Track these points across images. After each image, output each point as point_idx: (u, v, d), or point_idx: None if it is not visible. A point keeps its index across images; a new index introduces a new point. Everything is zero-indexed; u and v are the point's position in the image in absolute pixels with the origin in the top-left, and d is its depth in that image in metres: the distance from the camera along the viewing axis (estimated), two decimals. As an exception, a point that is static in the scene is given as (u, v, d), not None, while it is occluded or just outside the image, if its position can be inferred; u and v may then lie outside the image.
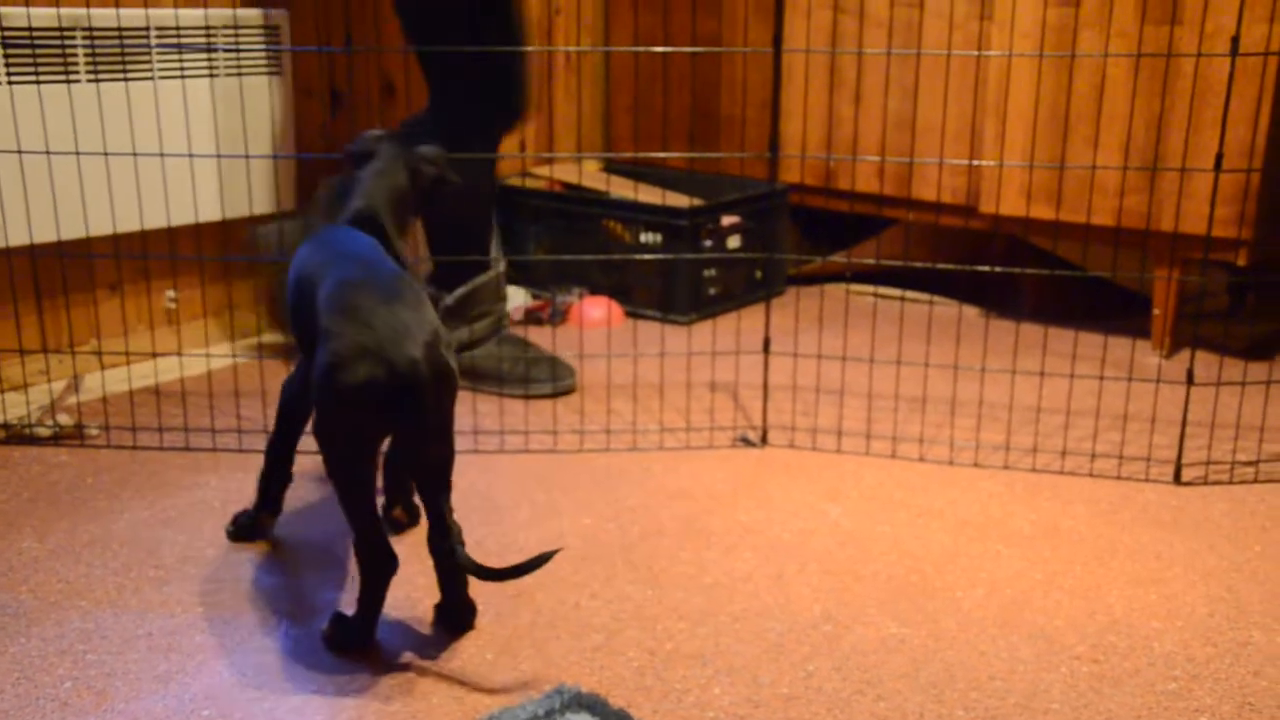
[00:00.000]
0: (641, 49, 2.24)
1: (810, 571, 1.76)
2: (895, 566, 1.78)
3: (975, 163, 2.44)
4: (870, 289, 3.29)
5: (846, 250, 3.33)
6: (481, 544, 1.82)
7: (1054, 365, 2.65)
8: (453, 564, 1.52)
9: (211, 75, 2.55)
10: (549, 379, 2.45)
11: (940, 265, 2.27)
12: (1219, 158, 2.02)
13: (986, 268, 2.25)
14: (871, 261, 3.01)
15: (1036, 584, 1.73)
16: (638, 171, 3.49)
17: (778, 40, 2.10)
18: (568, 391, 2.47)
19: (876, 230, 3.33)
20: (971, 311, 3.12)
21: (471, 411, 2.37)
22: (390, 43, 2.99)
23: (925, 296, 3.23)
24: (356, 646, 1.53)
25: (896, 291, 3.26)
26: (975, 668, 1.51)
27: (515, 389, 2.44)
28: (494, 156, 2.36)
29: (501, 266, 2.49)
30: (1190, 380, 2.10)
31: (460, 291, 2.44)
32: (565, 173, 3.38)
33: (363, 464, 1.45)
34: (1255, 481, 2.09)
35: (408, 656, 1.52)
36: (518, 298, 3.04)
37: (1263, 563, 1.80)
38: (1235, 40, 1.97)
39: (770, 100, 3.29)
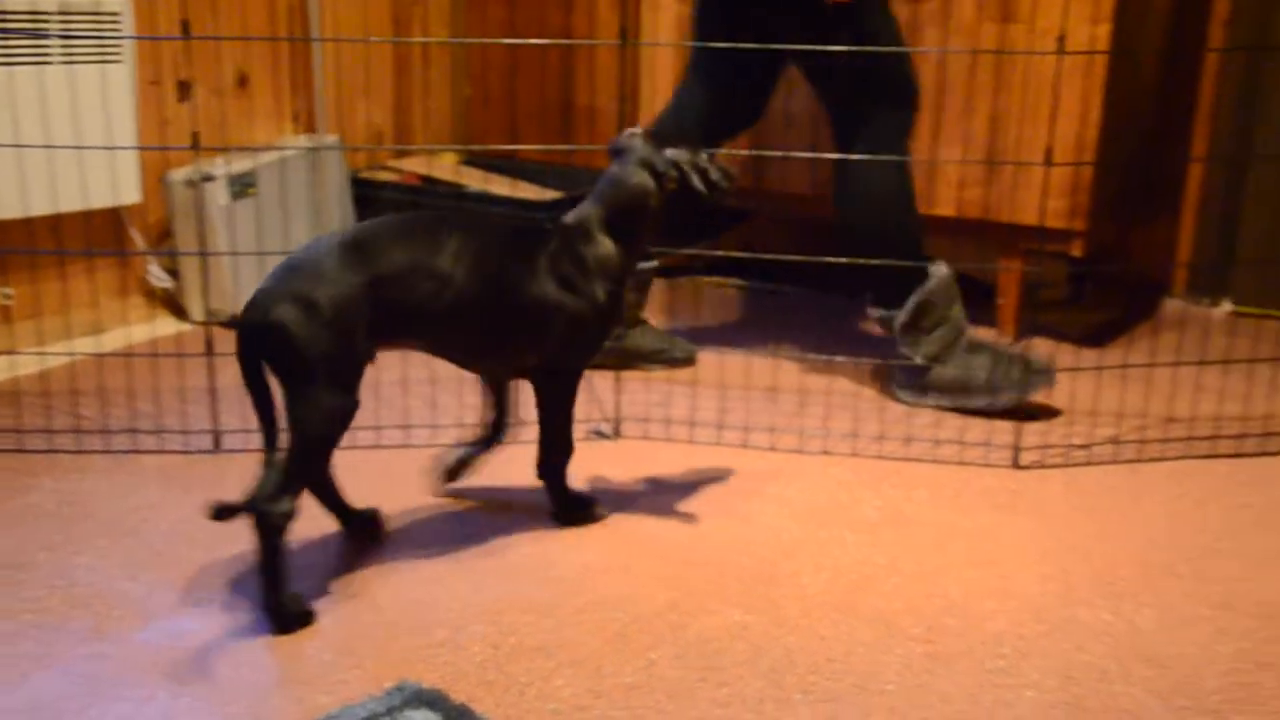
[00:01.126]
0: (492, 40, 2.22)
1: (658, 562, 1.77)
2: (743, 555, 1.80)
3: (821, 155, 2.49)
4: (722, 280, 3.33)
5: (701, 242, 3.35)
6: (327, 542, 1.79)
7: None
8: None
9: (42, 63, 2.45)
10: (1018, 385, 2.33)
11: (787, 257, 2.31)
12: (1049, 151, 2.09)
13: (833, 258, 2.29)
14: (722, 253, 3.04)
15: (879, 569, 1.77)
16: (495, 165, 3.47)
17: (624, 33, 2.11)
18: (1045, 386, 2.34)
19: (732, 222, 3.36)
20: (822, 302, 3.18)
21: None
22: (235, 31, 2.92)
23: (776, 287, 3.28)
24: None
25: (747, 282, 3.30)
26: (815, 652, 1.54)
27: (1012, 393, 2.32)
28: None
29: (945, 270, 2.38)
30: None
31: (911, 303, 2.36)
32: (419, 166, 3.34)
33: (254, 395, 1.56)
34: (1088, 464, 2.17)
35: (247, 659, 1.49)
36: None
37: (1094, 542, 1.87)
38: (1061, 39, 2.04)
39: (625, 92, 3.29)
